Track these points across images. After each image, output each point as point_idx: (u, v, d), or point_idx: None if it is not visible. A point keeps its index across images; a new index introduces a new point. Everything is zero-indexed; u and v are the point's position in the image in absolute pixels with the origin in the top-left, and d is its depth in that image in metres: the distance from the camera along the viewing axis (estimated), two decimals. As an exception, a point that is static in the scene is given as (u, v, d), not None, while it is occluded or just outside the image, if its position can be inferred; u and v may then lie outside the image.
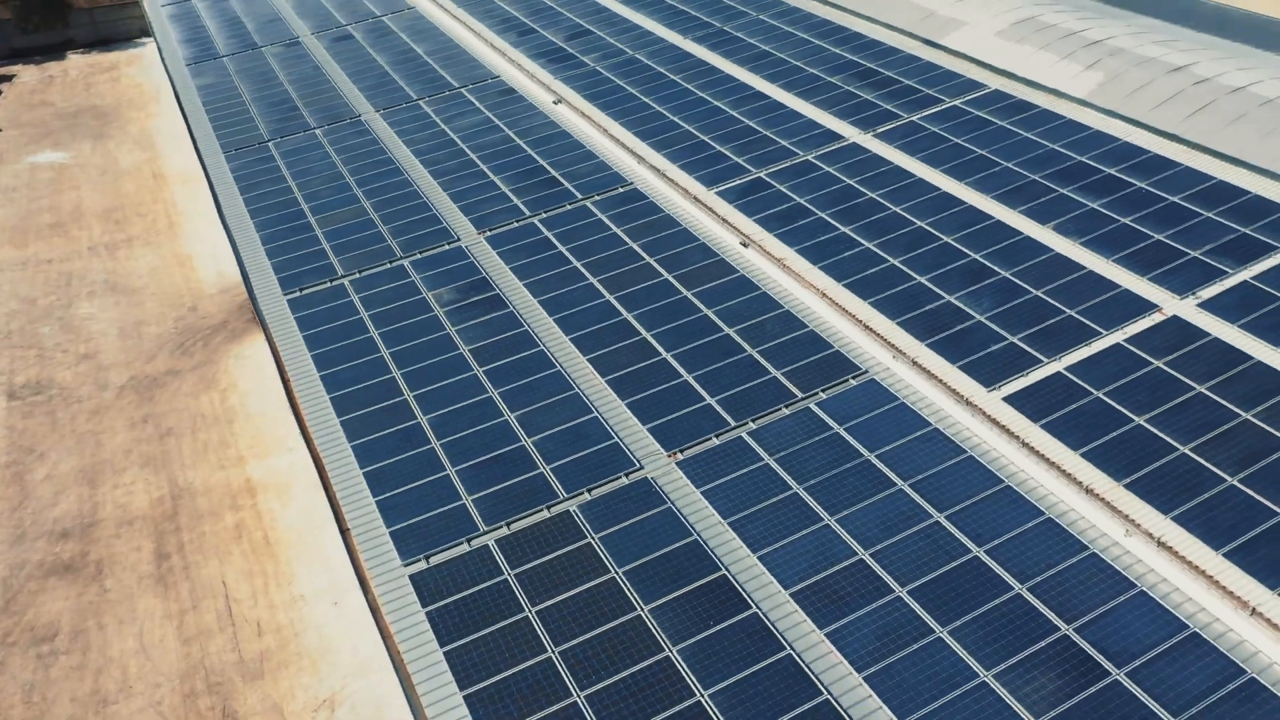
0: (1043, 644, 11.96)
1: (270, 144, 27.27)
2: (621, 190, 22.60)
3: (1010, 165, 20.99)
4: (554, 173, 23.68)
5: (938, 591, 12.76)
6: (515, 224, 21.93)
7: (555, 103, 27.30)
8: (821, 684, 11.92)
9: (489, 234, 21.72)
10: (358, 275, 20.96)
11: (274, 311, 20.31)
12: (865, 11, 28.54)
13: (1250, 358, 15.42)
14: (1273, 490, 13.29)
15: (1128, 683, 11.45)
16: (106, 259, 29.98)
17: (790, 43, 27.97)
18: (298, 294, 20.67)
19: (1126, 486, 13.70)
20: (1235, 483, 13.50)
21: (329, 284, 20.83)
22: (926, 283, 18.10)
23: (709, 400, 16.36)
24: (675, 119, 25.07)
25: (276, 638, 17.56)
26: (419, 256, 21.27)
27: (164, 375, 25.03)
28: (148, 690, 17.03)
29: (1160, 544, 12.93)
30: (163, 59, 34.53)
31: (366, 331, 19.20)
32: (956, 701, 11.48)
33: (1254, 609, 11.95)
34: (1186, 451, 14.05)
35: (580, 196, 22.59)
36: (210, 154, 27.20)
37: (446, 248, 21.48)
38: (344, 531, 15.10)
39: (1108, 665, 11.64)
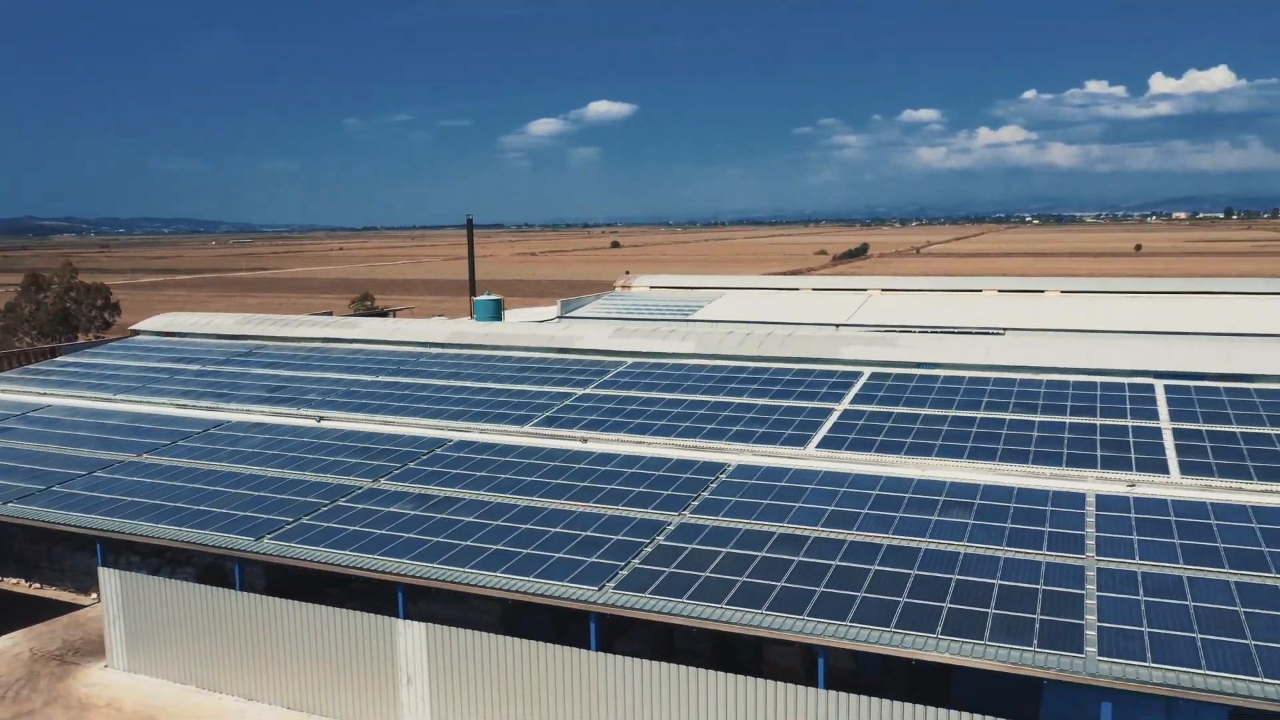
0: (974, 516, 22.79)
1: (57, 487, 27.64)
2: (453, 444, 29.48)
3: (685, 383, 33.27)
4: (383, 447, 29.48)
5: (880, 512, 22.90)
6: (398, 470, 27.36)
7: (319, 420, 32.68)
8: (919, 557, 21.05)
9: (386, 480, 26.81)
10: (302, 520, 24.36)
11: (264, 548, 22.71)
12: (500, 343, 39.65)
13: (919, 416, 29.11)
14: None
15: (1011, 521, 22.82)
16: None
17: (469, 370, 37.56)
18: (279, 533, 23.32)
19: (904, 454, 25.73)
20: (943, 440, 26.43)
21: (287, 527, 23.89)
22: (716, 426, 28.90)
23: (666, 493, 24.58)
24: (441, 407, 32.70)
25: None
26: (336, 504, 25.46)
27: (14, 720, 23.18)
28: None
29: (951, 467, 25.03)
30: None
31: (374, 531, 23.13)
32: (944, 556, 21.60)
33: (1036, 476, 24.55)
34: (913, 439, 26.69)
35: (425, 453, 28.87)
36: (-14, 509, 26.48)
37: (360, 491, 26.01)
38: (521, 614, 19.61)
39: (1002, 523, 22.91)
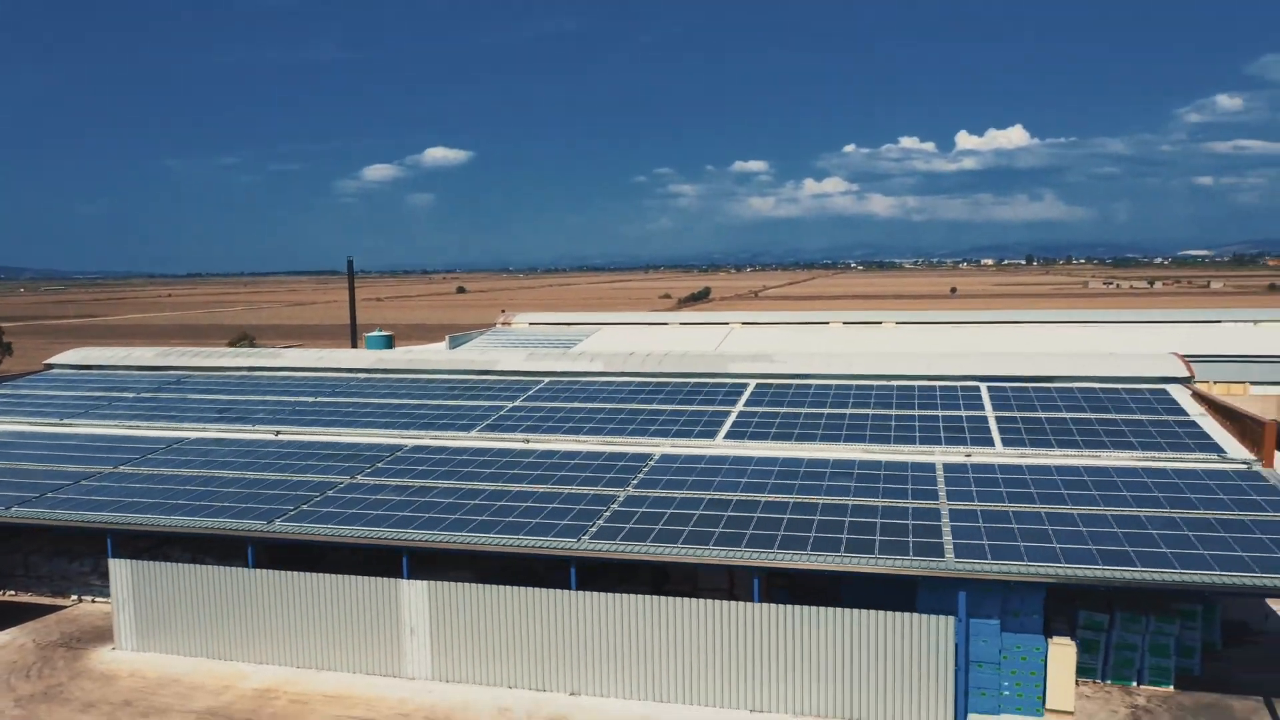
0: (855, 481, 29.09)
1: (50, 494, 30.42)
2: (410, 448, 33.90)
3: (601, 395, 38.70)
4: (347, 453, 33.56)
5: (784, 481, 28.96)
6: (369, 469, 31.60)
7: (277, 434, 36.28)
8: (818, 508, 27.06)
9: (362, 476, 31.06)
10: (302, 508, 28.39)
11: (277, 529, 26.69)
12: (425, 367, 43.99)
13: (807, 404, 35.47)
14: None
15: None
16: None
17: (403, 391, 41.77)
18: (286, 517, 27.28)
19: (794, 441, 32.00)
20: (823, 430, 32.87)
21: (291, 513, 27.87)
22: (637, 426, 34.47)
23: (609, 475, 29.92)
24: (388, 420, 36.89)
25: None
26: (326, 495, 29.58)
27: (40, 694, 25.99)
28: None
29: (832, 449, 31.43)
30: None
31: (370, 512, 27.45)
32: (837, 506, 27.83)
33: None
34: (799, 430, 33.03)
35: (388, 456, 33.19)
36: None
37: (343, 485, 30.15)
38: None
39: (876, 484, 29.32)
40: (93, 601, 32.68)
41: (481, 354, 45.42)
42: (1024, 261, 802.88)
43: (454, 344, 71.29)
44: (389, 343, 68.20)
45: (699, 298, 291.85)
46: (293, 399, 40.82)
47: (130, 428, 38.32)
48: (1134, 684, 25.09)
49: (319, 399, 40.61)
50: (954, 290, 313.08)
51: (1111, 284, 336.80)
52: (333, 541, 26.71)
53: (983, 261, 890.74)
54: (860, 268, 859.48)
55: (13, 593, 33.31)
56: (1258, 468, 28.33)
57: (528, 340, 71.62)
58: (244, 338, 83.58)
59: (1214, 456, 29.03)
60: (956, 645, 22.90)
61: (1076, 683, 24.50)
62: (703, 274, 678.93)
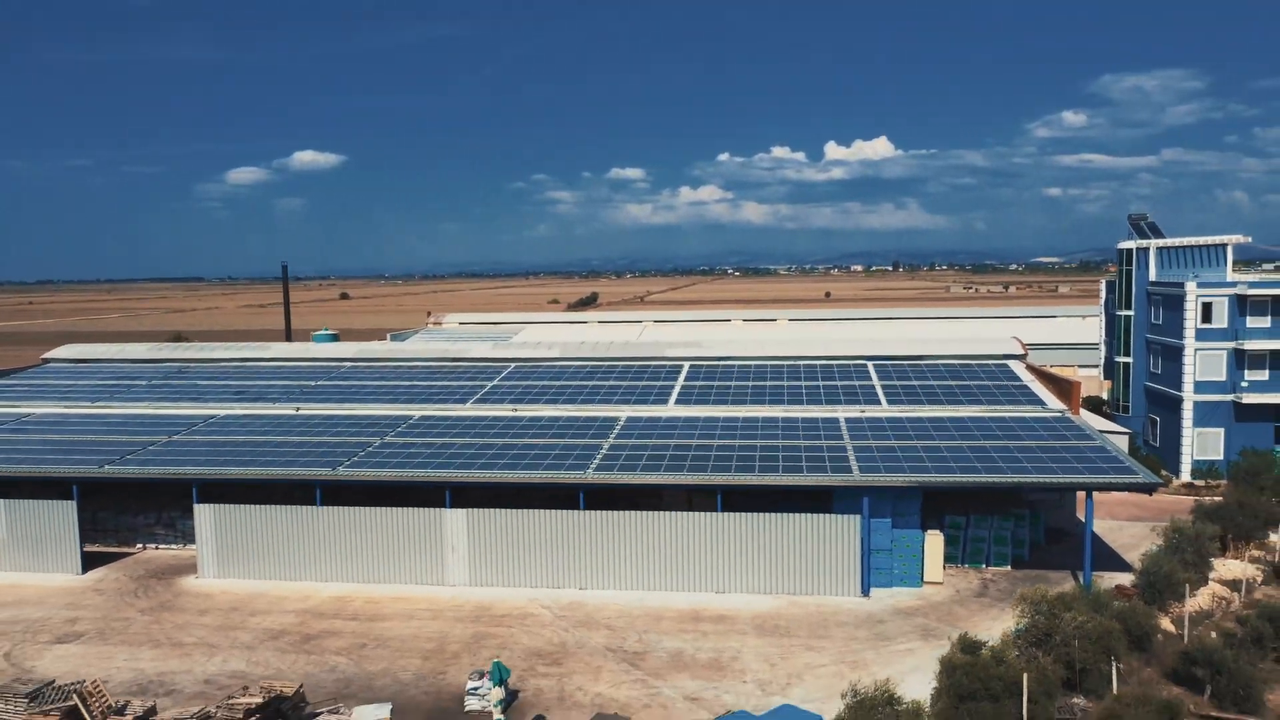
0: (781, 429, 38.18)
1: (129, 456, 36.78)
2: (418, 418, 41.41)
3: (564, 375, 46.90)
4: (367, 422, 40.87)
5: (728, 431, 37.86)
6: (393, 433, 39.04)
7: (298, 410, 43.13)
8: (757, 448, 35.98)
9: (391, 437, 38.48)
10: (355, 459, 35.75)
11: (341, 475, 34.01)
12: (403, 356, 51.25)
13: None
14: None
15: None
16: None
17: (390, 375, 49.03)
18: (346, 465, 34.59)
19: (730, 404, 41.01)
20: (751, 397, 41.98)
21: (347, 463, 35.20)
22: (602, 397, 42.84)
23: (592, 431, 38.26)
24: (390, 397, 44.21)
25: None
26: (368, 450, 36.98)
27: (157, 607, 32.68)
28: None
29: (761, 410, 40.51)
30: None
31: (412, 460, 35.04)
32: (772, 446, 36.90)
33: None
34: (733, 397, 42.06)
35: (402, 423, 40.63)
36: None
37: (378, 444, 37.57)
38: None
39: (797, 432, 38.49)
40: (157, 548, 39.05)
41: (453, 345, 52.98)
42: (891, 268, 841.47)
43: (395, 340, 77.95)
44: (334, 340, 74.38)
45: (587, 303, 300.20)
46: (297, 382, 47.57)
47: (162, 408, 44.48)
48: (983, 566, 35.02)
49: (319, 382, 47.49)
50: (828, 294, 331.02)
51: (971, 288, 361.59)
52: (393, 481, 34.26)
53: (853, 268, 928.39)
54: (737, 274, 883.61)
55: (84, 544, 39.19)
56: (1068, 415, 38.83)
57: (462, 337, 78.90)
58: (179, 337, 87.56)
59: (1039, 408, 39.45)
60: (862, 538, 32.19)
61: (944, 566, 34.19)
62: (585, 280, 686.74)
